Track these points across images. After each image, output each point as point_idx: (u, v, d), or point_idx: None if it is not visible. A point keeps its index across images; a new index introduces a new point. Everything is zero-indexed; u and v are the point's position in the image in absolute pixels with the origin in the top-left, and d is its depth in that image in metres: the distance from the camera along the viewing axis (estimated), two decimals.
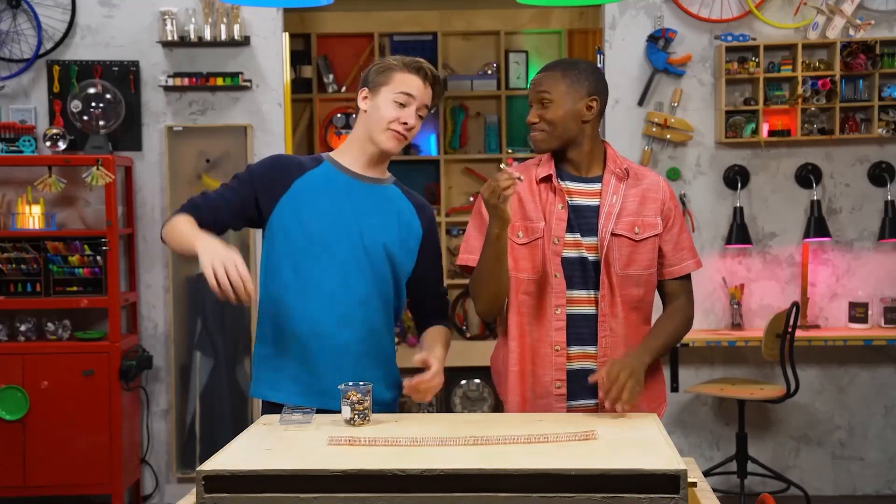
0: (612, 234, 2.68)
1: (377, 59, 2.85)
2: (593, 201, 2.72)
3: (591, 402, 2.70)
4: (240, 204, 2.74)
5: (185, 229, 2.62)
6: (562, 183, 2.73)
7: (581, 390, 2.70)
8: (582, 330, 2.70)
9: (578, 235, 2.70)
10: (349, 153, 2.80)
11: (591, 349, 2.71)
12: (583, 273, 2.70)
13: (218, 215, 2.72)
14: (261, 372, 2.78)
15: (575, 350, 2.71)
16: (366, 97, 2.76)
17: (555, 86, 2.71)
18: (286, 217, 2.71)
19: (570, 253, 2.69)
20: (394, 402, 2.85)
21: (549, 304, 2.70)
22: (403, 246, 2.79)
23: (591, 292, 2.70)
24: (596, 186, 2.73)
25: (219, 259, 2.44)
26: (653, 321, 2.81)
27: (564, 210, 2.70)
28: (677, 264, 2.78)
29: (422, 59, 2.78)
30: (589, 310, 2.70)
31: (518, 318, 2.74)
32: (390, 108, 2.71)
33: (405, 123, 2.71)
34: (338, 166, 2.78)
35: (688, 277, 2.82)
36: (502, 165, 2.57)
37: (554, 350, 2.70)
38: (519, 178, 2.51)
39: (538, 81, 2.74)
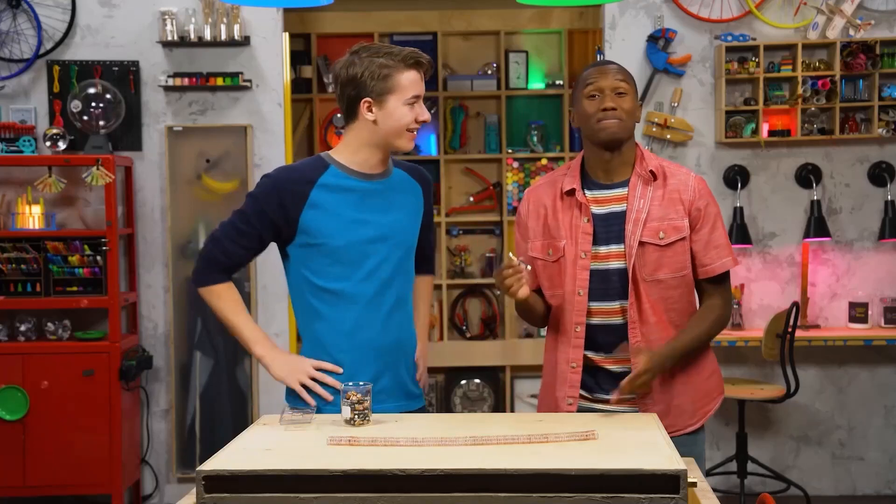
0: (639, 242, 2.64)
1: (363, 55, 2.66)
2: (620, 207, 2.68)
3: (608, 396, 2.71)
4: (259, 246, 2.75)
5: (235, 316, 2.76)
6: (587, 193, 2.70)
7: (599, 388, 2.72)
8: (607, 338, 2.69)
9: (605, 246, 2.68)
10: (356, 156, 2.72)
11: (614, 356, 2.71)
12: (606, 284, 2.67)
13: (241, 264, 2.78)
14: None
15: (596, 356, 2.71)
16: (370, 108, 2.66)
17: (627, 80, 2.69)
18: (309, 236, 2.68)
19: (597, 265, 2.68)
20: (419, 394, 2.88)
21: (569, 321, 2.70)
22: (417, 226, 2.83)
23: (617, 302, 2.68)
24: (622, 191, 2.69)
25: (303, 373, 2.69)
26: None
27: (590, 223, 2.68)
28: (709, 264, 2.71)
29: (411, 49, 2.69)
30: (616, 320, 2.69)
31: (553, 331, 2.78)
32: (405, 113, 2.66)
33: (423, 121, 2.70)
34: (346, 170, 2.71)
35: (723, 276, 2.74)
36: (511, 255, 2.59)
37: (570, 367, 2.71)
38: (527, 267, 2.55)
39: (611, 72, 2.68)
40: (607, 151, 2.69)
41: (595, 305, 2.69)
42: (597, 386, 2.73)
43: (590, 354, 2.72)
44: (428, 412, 2.87)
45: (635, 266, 2.65)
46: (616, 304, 2.68)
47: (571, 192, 2.71)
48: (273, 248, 2.81)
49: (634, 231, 2.65)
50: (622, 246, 2.66)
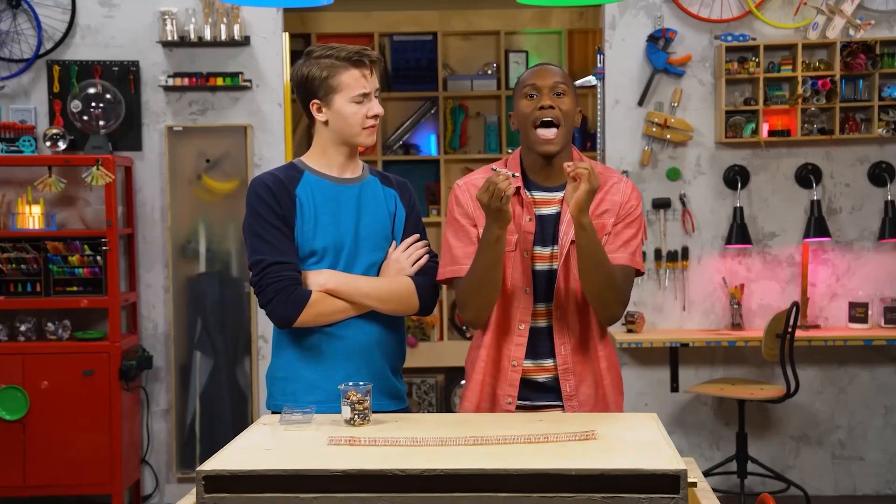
0: (571, 242, 2.63)
1: (311, 57, 2.68)
2: (555, 210, 2.67)
3: (542, 403, 2.69)
4: (293, 243, 2.68)
5: (361, 293, 2.64)
6: (529, 194, 2.69)
7: (532, 394, 2.69)
8: (533, 342, 2.68)
9: (543, 247, 2.67)
10: (323, 159, 2.74)
11: (547, 362, 2.69)
12: (545, 286, 2.66)
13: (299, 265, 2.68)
14: (274, 385, 2.77)
15: (531, 364, 2.69)
16: (320, 109, 2.68)
17: (567, 83, 2.66)
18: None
19: (541, 266, 2.67)
20: (402, 396, 2.86)
21: (514, 318, 2.68)
22: (397, 234, 2.80)
23: (542, 305, 2.67)
24: (560, 195, 2.67)
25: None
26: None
27: (532, 223, 2.66)
28: (610, 253, 2.62)
29: (356, 47, 2.68)
30: (543, 323, 2.68)
31: (490, 329, 2.71)
32: (354, 110, 2.66)
33: (375, 116, 2.68)
34: (320, 175, 2.72)
35: (625, 271, 2.66)
36: (493, 167, 2.54)
37: (511, 365, 2.69)
38: (514, 175, 2.49)
39: (549, 73, 2.65)
40: (543, 159, 2.67)
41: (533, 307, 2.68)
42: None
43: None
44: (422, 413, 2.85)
45: (567, 266, 2.64)
46: (548, 305, 2.67)
47: (515, 192, 2.65)
48: None
49: (567, 231, 2.64)
50: (554, 248, 2.66)
